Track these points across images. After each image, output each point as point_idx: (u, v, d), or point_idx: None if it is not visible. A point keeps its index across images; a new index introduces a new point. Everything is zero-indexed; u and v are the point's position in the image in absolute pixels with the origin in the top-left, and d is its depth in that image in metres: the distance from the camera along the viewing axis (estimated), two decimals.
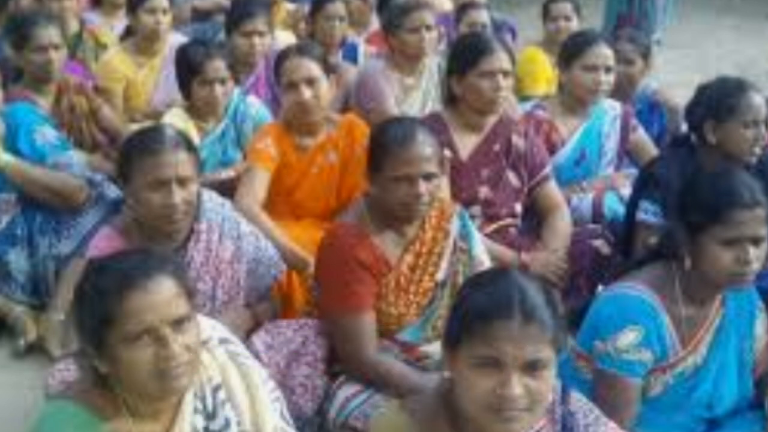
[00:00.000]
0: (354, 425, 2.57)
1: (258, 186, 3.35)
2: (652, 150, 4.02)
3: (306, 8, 5.38)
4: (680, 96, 4.31)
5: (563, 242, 3.34)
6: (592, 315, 2.43)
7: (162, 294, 1.75)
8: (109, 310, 1.72)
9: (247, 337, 2.66)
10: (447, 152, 3.21)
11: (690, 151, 3.28)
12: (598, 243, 3.33)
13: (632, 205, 3.32)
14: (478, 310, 1.69)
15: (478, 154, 3.43)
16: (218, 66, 3.68)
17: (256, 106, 3.97)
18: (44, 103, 3.94)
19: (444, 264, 2.70)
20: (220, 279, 2.74)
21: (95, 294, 1.75)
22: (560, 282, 3.24)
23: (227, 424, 1.93)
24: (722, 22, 10.07)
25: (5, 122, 3.51)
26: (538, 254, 3.29)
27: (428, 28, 4.26)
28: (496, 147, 3.45)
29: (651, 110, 4.49)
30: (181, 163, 2.54)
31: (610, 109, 3.94)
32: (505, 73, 3.35)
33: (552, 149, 3.74)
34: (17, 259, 3.46)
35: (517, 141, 3.48)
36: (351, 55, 5.11)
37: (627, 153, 4.03)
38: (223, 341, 2.01)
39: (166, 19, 4.61)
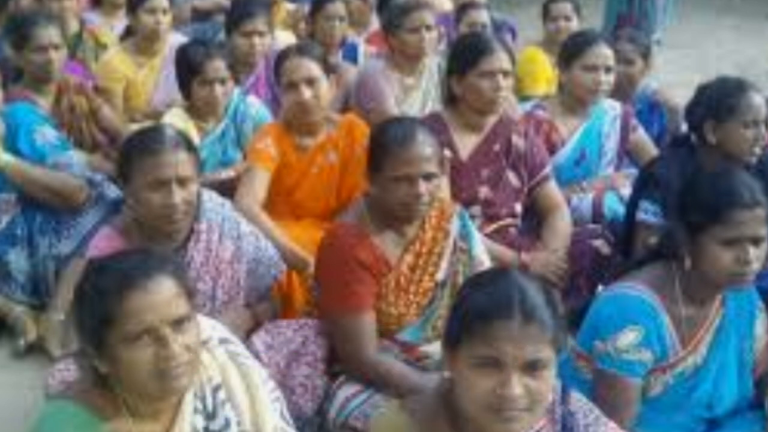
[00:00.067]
0: (354, 425, 2.57)
1: (258, 186, 3.35)
2: (652, 150, 4.01)
3: (306, 8, 5.38)
4: (680, 96, 4.31)
5: (563, 242, 3.34)
6: (592, 315, 2.43)
7: (162, 294, 1.75)
8: (109, 310, 1.72)
9: (247, 337, 2.66)
10: (447, 152, 3.21)
11: (690, 151, 3.28)
12: (598, 243, 3.33)
13: (632, 205, 3.32)
14: (478, 310, 1.69)
15: (478, 154, 3.43)
16: (218, 66, 3.68)
17: (256, 106, 3.97)
18: (44, 103, 3.94)
19: (444, 264, 2.70)
20: (220, 279, 2.74)
21: (95, 294, 1.75)
22: (560, 282, 3.24)
23: (227, 424, 1.93)
24: (722, 22, 10.07)
25: (5, 122, 3.51)
26: (538, 254, 3.29)
27: (428, 28, 4.26)
28: (496, 147, 3.45)
29: (651, 110, 4.49)
30: (181, 163, 2.54)
31: (610, 109, 3.94)
32: (505, 73, 3.35)
33: (552, 149, 3.74)
34: (17, 259, 3.46)
35: (517, 141, 3.48)
36: (351, 55, 5.10)
37: (627, 153, 4.03)
38: (223, 341, 2.01)
39: (166, 19, 4.61)
